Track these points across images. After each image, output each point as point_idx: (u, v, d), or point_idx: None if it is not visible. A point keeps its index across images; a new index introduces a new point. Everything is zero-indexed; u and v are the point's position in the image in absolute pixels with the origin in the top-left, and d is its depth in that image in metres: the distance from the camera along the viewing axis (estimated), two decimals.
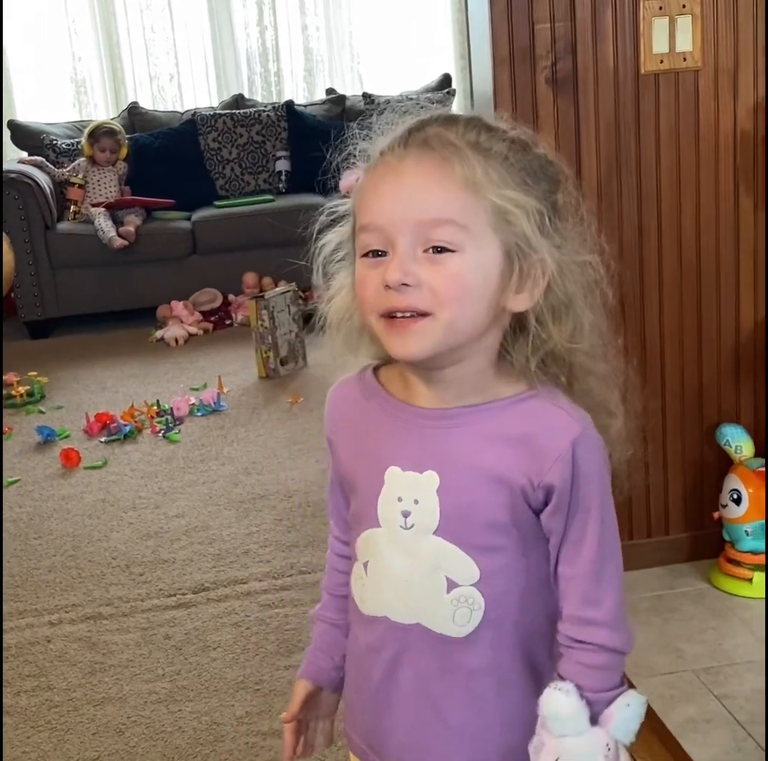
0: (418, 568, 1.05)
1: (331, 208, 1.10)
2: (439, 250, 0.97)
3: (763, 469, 2.36)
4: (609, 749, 1.00)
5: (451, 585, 1.04)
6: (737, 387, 2.49)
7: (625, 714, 1.02)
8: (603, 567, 1.03)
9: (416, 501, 1.04)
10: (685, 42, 2.28)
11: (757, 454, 2.42)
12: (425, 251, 0.97)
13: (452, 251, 0.97)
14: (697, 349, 2.46)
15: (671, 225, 2.38)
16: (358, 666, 1.14)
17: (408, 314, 0.98)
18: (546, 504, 1.02)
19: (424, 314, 0.97)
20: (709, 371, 2.47)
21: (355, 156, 1.08)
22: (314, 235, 1.10)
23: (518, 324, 1.03)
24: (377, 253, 0.99)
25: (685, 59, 2.29)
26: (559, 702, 1.00)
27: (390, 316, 0.99)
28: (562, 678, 1.03)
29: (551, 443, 1.00)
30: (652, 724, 1.99)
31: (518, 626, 1.06)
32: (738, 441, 2.42)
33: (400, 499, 1.05)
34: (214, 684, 2.25)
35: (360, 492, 1.10)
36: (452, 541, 1.03)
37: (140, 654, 2.38)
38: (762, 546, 2.38)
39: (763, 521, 2.36)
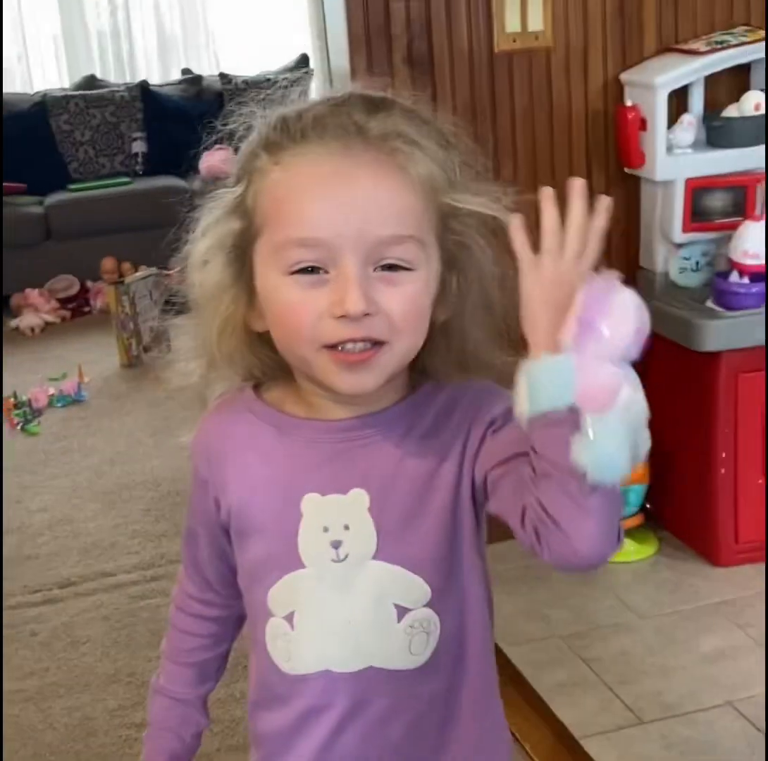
0: (360, 604, 0.92)
1: (212, 198, 0.93)
2: (392, 267, 0.85)
3: None
4: None
5: (402, 611, 0.92)
6: None
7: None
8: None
9: (346, 527, 0.91)
10: (537, 21, 2.32)
11: None
12: (375, 269, 0.85)
13: (408, 269, 0.85)
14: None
15: (528, 204, 2.42)
16: (287, 737, 0.97)
17: (360, 345, 0.85)
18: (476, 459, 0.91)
19: (378, 342, 0.85)
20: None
21: (233, 138, 0.93)
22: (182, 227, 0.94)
23: (433, 329, 0.91)
24: (310, 270, 0.85)
25: (536, 38, 2.33)
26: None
27: (333, 346, 0.85)
28: None
29: (475, 405, 0.92)
30: (521, 690, 2.04)
31: (476, 639, 0.97)
32: None
33: (326, 529, 0.91)
34: (84, 678, 2.20)
35: (268, 534, 0.94)
36: (395, 562, 0.92)
37: (6, 653, 2.31)
38: (627, 511, 2.45)
39: (622, 488, 2.43)
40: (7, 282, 5.07)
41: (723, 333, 2.26)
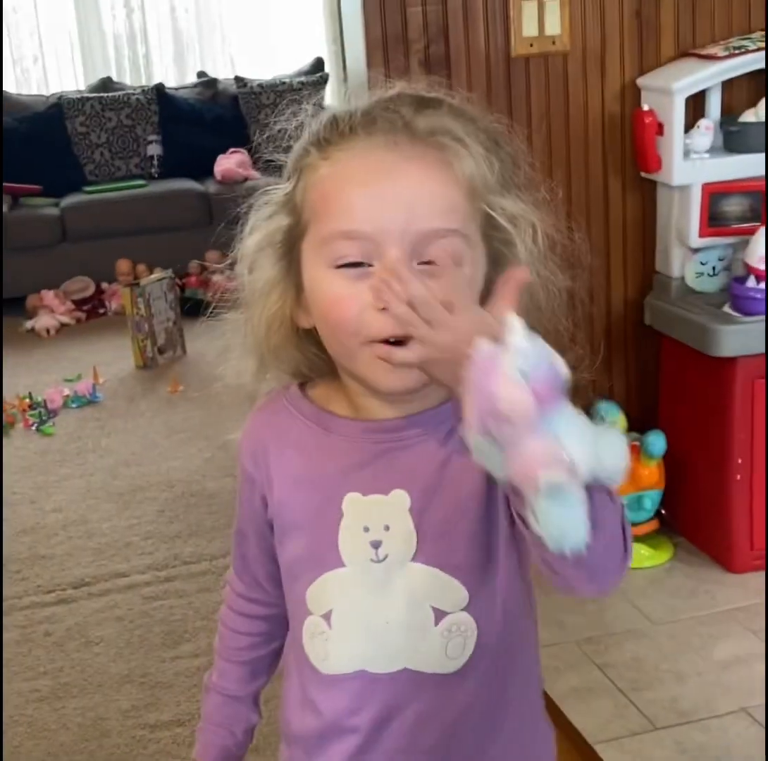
0: (398, 605, 0.91)
1: (266, 193, 0.93)
2: (434, 262, 0.84)
3: (636, 444, 2.43)
4: None
5: (439, 615, 0.91)
6: (610, 365, 2.55)
7: None
8: None
9: (387, 528, 0.90)
10: (554, 25, 2.32)
11: (629, 429, 2.49)
12: (419, 263, 0.84)
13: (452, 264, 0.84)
14: (571, 328, 2.51)
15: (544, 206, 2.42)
16: (321, 739, 0.96)
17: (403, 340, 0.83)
18: None
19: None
20: (582, 350, 2.53)
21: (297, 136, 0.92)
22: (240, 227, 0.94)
23: None
24: (355, 264, 0.85)
25: (554, 43, 2.33)
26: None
27: (374, 342, 0.84)
28: None
29: None
30: None
31: (513, 645, 0.95)
32: (611, 417, 2.48)
33: (366, 529, 0.91)
34: (97, 679, 2.21)
35: (308, 531, 0.94)
36: (434, 565, 0.90)
37: (20, 653, 2.32)
38: (636, 517, 2.45)
39: (637, 494, 2.43)
40: (22, 283, 5.09)
41: (739, 338, 2.25)
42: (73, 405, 3.84)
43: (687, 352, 2.37)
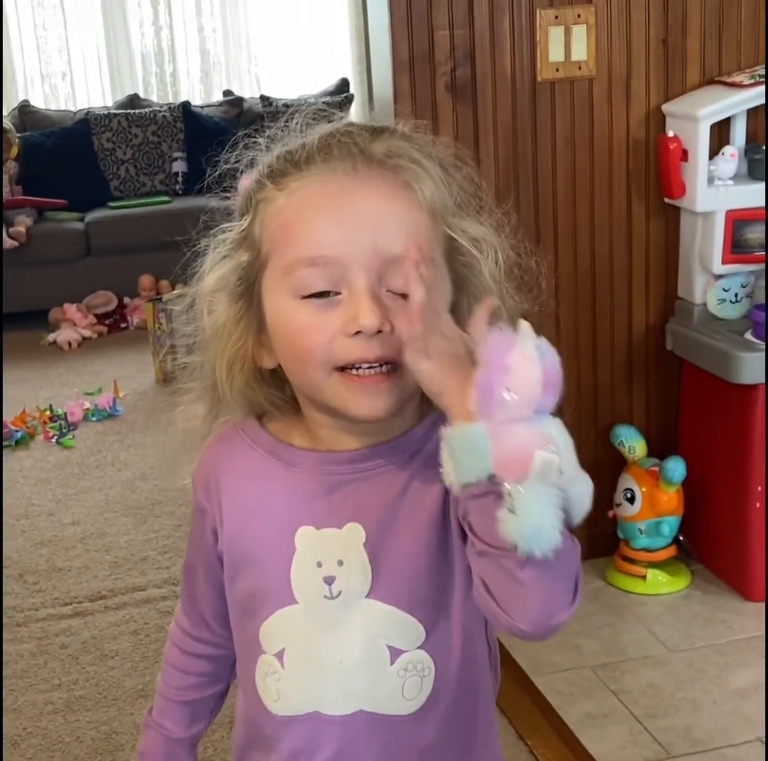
0: (352, 643, 0.88)
1: (221, 233, 0.92)
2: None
3: (656, 469, 2.43)
4: None
5: (395, 653, 0.88)
6: (630, 390, 2.55)
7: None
8: None
9: (340, 563, 0.88)
10: (580, 51, 2.33)
11: (649, 454, 2.49)
12: (388, 290, 0.82)
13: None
14: (592, 351, 2.51)
15: (567, 231, 2.43)
16: None
17: (376, 366, 0.82)
18: None
19: (392, 364, 0.82)
20: (603, 374, 2.53)
21: (251, 165, 0.91)
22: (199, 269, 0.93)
23: None
24: (321, 294, 0.83)
25: (579, 68, 2.34)
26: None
27: (345, 368, 0.83)
28: None
29: None
30: (550, 720, 2.02)
31: (472, 684, 0.92)
32: (631, 442, 2.48)
33: (319, 564, 0.88)
34: (112, 693, 2.21)
35: (260, 565, 0.91)
36: (389, 602, 0.88)
37: (35, 665, 2.32)
38: (654, 543, 2.44)
39: (655, 519, 2.42)
40: (46, 296, 5.13)
41: (760, 365, 2.25)
42: (93, 419, 3.86)
43: (708, 379, 2.37)
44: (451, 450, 0.76)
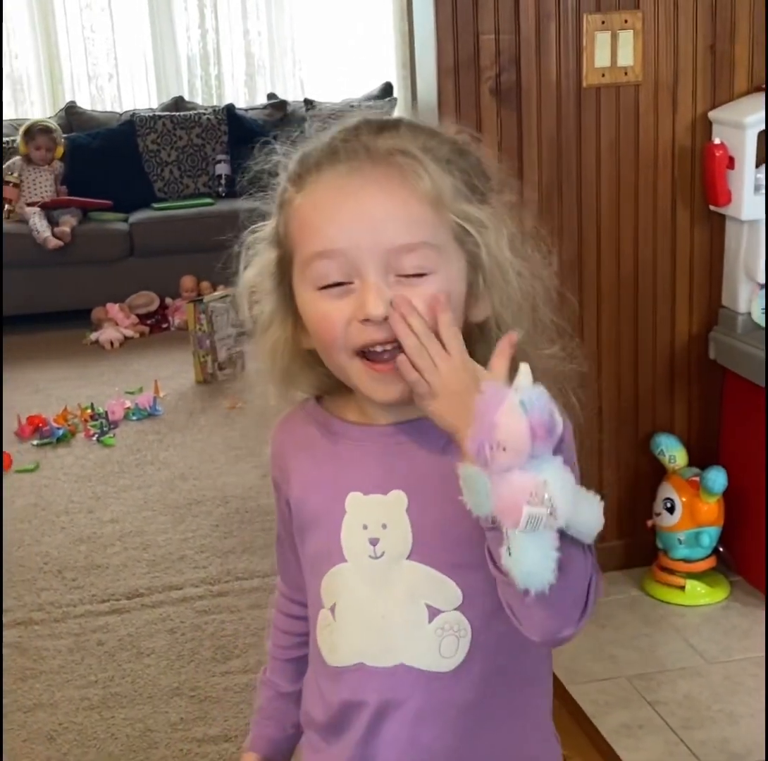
0: (393, 600, 0.95)
1: (254, 233, 1.00)
2: (412, 275, 0.90)
3: (696, 479, 2.40)
4: None
5: (433, 612, 0.95)
6: (672, 398, 2.53)
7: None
8: None
9: (384, 526, 0.95)
10: (627, 56, 2.32)
11: (690, 464, 2.46)
12: (397, 276, 0.90)
13: (426, 274, 0.90)
14: (633, 359, 2.50)
15: (610, 237, 2.41)
16: (330, 728, 1.01)
17: (389, 346, 0.90)
18: None
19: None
20: (644, 382, 2.51)
21: (274, 173, 0.99)
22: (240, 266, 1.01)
23: (473, 330, 0.96)
24: (337, 284, 0.91)
25: (626, 73, 2.33)
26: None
27: (364, 351, 0.91)
28: None
29: None
30: (585, 729, 2.01)
31: (509, 650, 0.96)
32: (672, 451, 2.45)
33: (365, 527, 0.96)
34: (147, 690, 2.22)
35: (320, 526, 1.00)
36: (428, 564, 0.95)
37: (72, 660, 2.35)
38: (693, 554, 2.42)
39: (695, 530, 2.40)
40: (89, 296, 5.17)
41: None
42: (134, 418, 3.89)
43: (751, 388, 2.34)
44: (463, 484, 0.82)
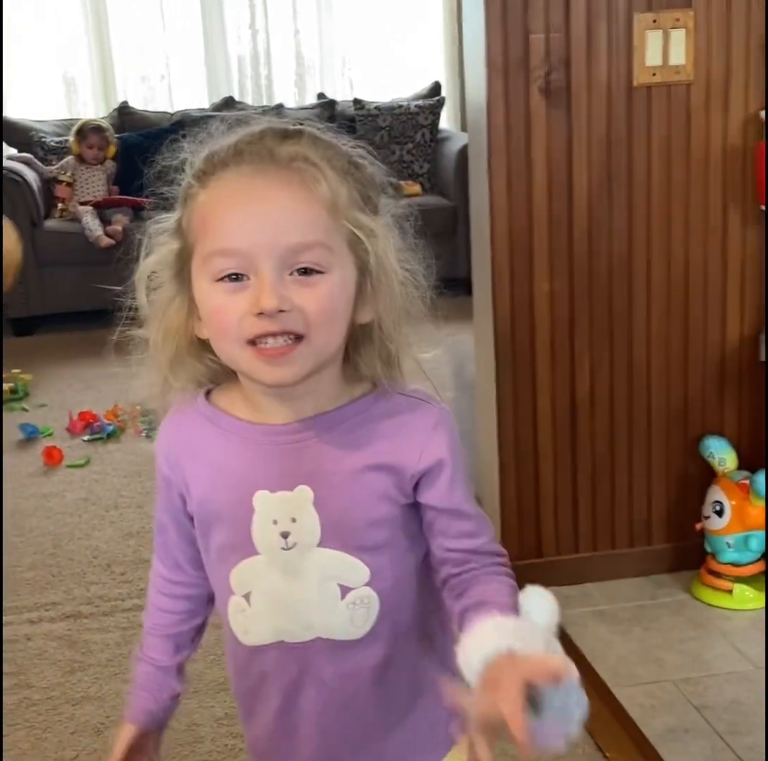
0: (307, 585, 1.04)
1: (158, 224, 1.06)
2: (306, 271, 0.95)
3: (746, 482, 2.38)
4: None
5: (345, 590, 1.04)
6: (722, 400, 2.51)
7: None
8: (477, 511, 1.07)
9: (294, 520, 1.02)
10: (678, 55, 2.30)
11: (740, 467, 2.44)
12: (291, 274, 0.95)
13: (320, 272, 0.96)
14: (683, 361, 2.47)
15: (661, 238, 2.40)
16: (252, 699, 1.12)
17: (280, 339, 0.95)
18: (416, 489, 1.04)
19: (297, 337, 0.95)
20: (694, 383, 2.49)
21: (181, 169, 1.03)
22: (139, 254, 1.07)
23: (358, 331, 1.03)
24: (233, 277, 0.96)
25: (677, 72, 2.31)
26: (548, 597, 0.97)
27: (255, 341, 0.96)
28: (500, 603, 0.98)
29: (419, 431, 1.03)
30: (631, 733, 2.00)
31: (410, 609, 1.08)
32: (721, 454, 2.43)
33: (275, 522, 1.03)
34: (193, 685, 2.24)
35: (227, 523, 1.06)
36: (337, 549, 1.03)
37: (120, 654, 2.37)
38: (741, 558, 2.39)
39: (744, 534, 2.37)
40: None
41: None
42: None
43: None
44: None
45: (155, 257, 1.05)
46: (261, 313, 0.94)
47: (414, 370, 1.08)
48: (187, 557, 1.15)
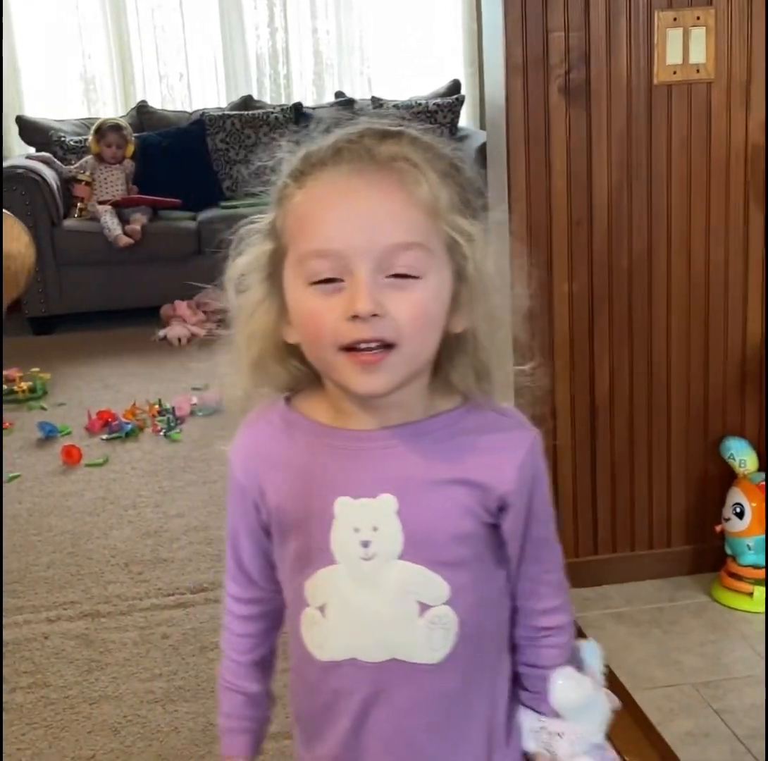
0: (385, 599, 1.00)
1: (250, 224, 1.03)
2: (402, 275, 0.92)
3: (765, 483, 2.36)
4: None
5: (423, 608, 1.00)
6: (742, 401, 2.48)
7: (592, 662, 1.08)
8: (560, 557, 1.08)
9: (375, 529, 0.99)
10: (699, 53, 2.28)
11: (760, 468, 2.42)
12: (387, 277, 0.93)
13: (416, 278, 0.93)
14: (704, 361, 2.45)
15: (681, 237, 2.38)
16: (321, 719, 1.06)
17: (373, 345, 0.93)
18: (500, 510, 1.01)
19: (388, 345, 0.93)
20: (714, 384, 2.47)
21: (277, 169, 1.01)
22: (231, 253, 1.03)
23: (451, 340, 1.00)
24: (328, 280, 0.93)
25: (698, 71, 2.29)
26: (574, 690, 1.02)
27: (350, 348, 0.93)
28: (540, 668, 1.07)
29: (509, 451, 1.01)
30: (649, 736, 1.98)
31: (487, 637, 1.04)
32: (742, 455, 2.41)
33: (356, 530, 0.99)
34: (211, 685, 2.24)
35: (305, 530, 1.02)
36: (418, 562, 0.99)
37: (137, 653, 2.37)
38: (762, 560, 2.37)
39: (765, 536, 2.35)
40: (158, 293, 5.24)
41: None
42: (200, 414, 3.93)
43: None
44: None
45: (246, 258, 1.02)
46: (355, 317, 0.91)
47: (504, 383, 1.04)
48: (260, 570, 1.11)
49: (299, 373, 1.03)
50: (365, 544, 0.99)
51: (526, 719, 1.07)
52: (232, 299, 1.03)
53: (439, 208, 0.94)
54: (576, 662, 1.06)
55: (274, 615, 1.14)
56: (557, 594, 1.07)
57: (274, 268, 0.99)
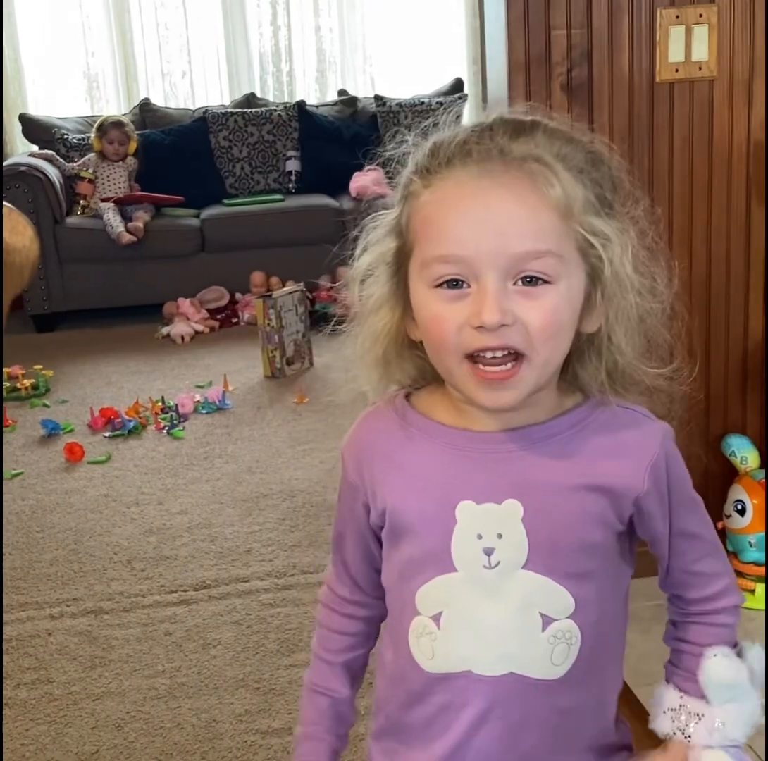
0: (507, 610, 0.95)
1: (375, 220, 0.99)
2: (531, 280, 0.89)
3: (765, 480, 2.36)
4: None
5: (547, 621, 0.95)
6: (744, 398, 2.49)
7: (756, 665, 1.03)
8: (717, 538, 1.04)
9: (500, 536, 0.94)
10: (701, 51, 2.28)
11: (762, 465, 2.42)
12: (515, 283, 0.89)
13: (547, 282, 0.89)
14: (705, 358, 2.46)
15: (682, 234, 2.38)
16: (422, 730, 1.00)
17: (499, 353, 0.89)
18: (636, 514, 0.98)
19: (517, 354, 0.89)
20: (716, 381, 2.47)
21: (399, 163, 0.97)
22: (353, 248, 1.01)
23: (583, 340, 0.96)
24: (453, 283, 0.90)
25: (700, 68, 2.29)
26: (725, 667, 0.98)
27: (474, 356, 0.90)
28: (697, 645, 1.02)
29: (642, 448, 0.97)
30: (648, 731, 1.98)
31: (607, 654, 1.00)
32: (743, 452, 2.41)
33: (479, 536, 0.95)
34: (213, 681, 2.25)
35: (422, 535, 0.97)
36: (543, 573, 0.95)
37: (140, 650, 2.38)
38: (764, 557, 2.37)
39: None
40: (161, 291, 5.25)
41: None
42: (203, 411, 3.93)
43: None
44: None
45: (371, 255, 0.99)
46: (481, 327, 0.88)
47: (638, 386, 0.99)
48: (364, 575, 1.08)
49: (423, 370, 1.01)
50: (488, 552, 0.95)
51: (667, 695, 1.03)
52: (356, 296, 1.00)
53: (573, 210, 0.90)
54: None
55: (374, 622, 1.10)
56: (718, 578, 1.03)
57: (399, 267, 0.97)
